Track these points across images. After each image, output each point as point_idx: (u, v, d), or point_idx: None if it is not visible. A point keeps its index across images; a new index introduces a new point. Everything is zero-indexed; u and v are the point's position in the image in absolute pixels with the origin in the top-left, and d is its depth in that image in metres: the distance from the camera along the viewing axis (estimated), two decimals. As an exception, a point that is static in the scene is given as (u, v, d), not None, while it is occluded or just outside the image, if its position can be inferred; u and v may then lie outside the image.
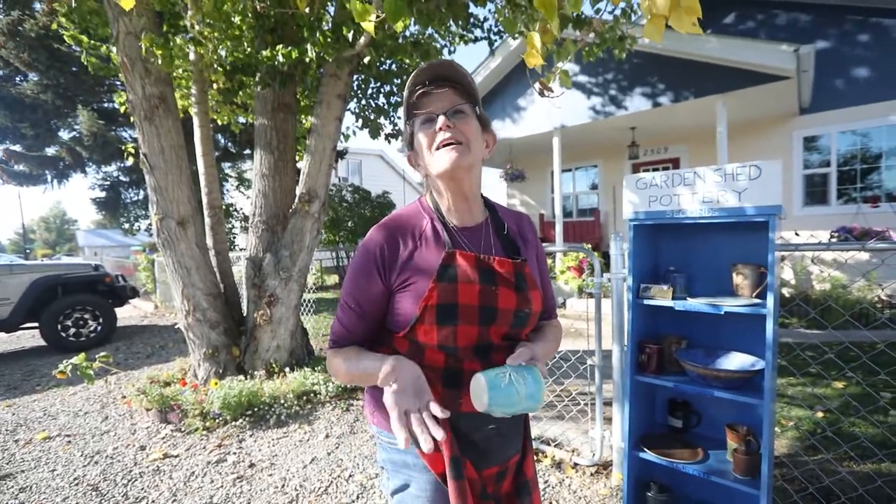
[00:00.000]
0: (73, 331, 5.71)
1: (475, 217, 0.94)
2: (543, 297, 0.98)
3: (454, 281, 0.83)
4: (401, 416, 0.73)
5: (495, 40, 4.81)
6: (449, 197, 0.90)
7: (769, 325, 1.53)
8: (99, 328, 5.91)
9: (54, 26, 4.10)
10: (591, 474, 2.31)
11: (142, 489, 2.36)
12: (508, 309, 0.86)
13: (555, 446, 2.55)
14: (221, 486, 2.36)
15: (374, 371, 0.82)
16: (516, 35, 4.24)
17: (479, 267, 0.86)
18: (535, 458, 2.48)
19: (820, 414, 2.85)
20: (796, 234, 6.45)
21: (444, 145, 0.84)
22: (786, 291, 5.70)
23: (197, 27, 2.94)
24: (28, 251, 30.87)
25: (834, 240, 5.68)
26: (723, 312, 1.63)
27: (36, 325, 5.64)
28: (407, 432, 0.70)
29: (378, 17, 1.61)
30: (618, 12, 3.64)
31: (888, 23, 6.31)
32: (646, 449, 1.81)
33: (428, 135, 0.86)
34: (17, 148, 9.92)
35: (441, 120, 0.84)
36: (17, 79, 9.27)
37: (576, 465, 2.39)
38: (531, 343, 0.91)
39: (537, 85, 2.11)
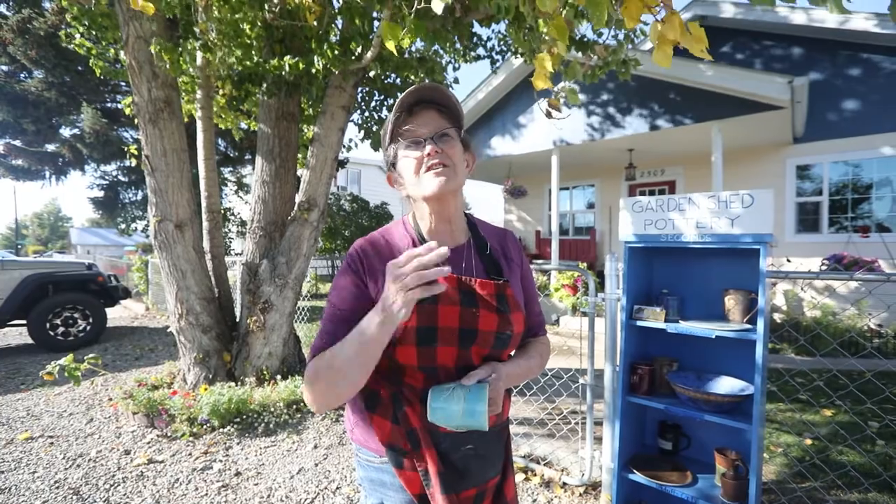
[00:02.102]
0: (61, 330, 5.63)
1: (456, 238, 0.94)
2: (529, 315, 0.98)
3: (435, 303, 0.83)
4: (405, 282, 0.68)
5: (497, 59, 4.91)
6: (432, 219, 0.91)
7: (759, 351, 1.56)
8: (88, 328, 5.84)
9: (63, 34, 4.14)
10: (580, 494, 2.30)
11: (124, 494, 2.32)
12: (489, 331, 0.86)
13: (544, 465, 2.54)
14: (206, 495, 2.33)
15: (365, 328, 0.74)
16: (520, 55, 4.34)
17: (460, 289, 0.86)
18: (525, 476, 2.47)
19: (808, 441, 2.86)
20: (788, 261, 6.55)
21: (431, 169, 0.85)
22: (777, 317, 5.75)
23: (207, 34, 2.99)
24: (19, 247, 30.55)
25: (824, 268, 5.76)
26: (714, 336, 1.65)
27: (24, 322, 5.56)
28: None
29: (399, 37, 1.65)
30: (621, 37, 3.74)
31: (878, 58, 6.51)
32: (635, 470, 1.81)
33: (415, 158, 0.86)
34: (17, 143, 9.92)
35: (429, 147, 0.84)
36: (22, 75, 9.31)
37: (565, 484, 2.38)
38: (498, 362, 0.89)
39: (545, 106, 2.15)
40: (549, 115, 2.13)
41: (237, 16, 2.92)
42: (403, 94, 0.86)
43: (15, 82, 9.04)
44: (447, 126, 0.88)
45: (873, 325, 5.29)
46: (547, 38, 1.70)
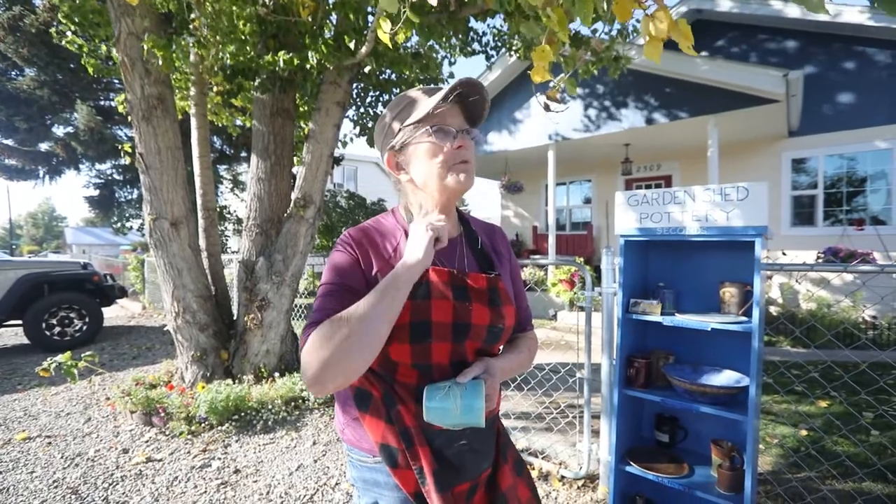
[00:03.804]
0: (57, 329, 5.61)
1: (450, 232, 0.94)
2: (517, 310, 0.98)
3: (427, 298, 0.83)
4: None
5: (492, 55, 4.90)
6: (434, 211, 0.91)
7: (754, 343, 1.57)
8: (84, 327, 5.82)
9: (54, 32, 4.11)
10: (578, 487, 2.32)
11: (123, 493, 2.32)
12: (482, 325, 0.86)
13: (542, 458, 2.55)
14: (205, 492, 2.33)
15: (395, 274, 0.78)
16: (515, 51, 4.33)
17: (452, 283, 0.86)
18: (523, 469, 2.48)
19: (804, 432, 2.89)
20: (783, 254, 6.58)
21: (460, 163, 0.86)
22: (773, 310, 5.78)
23: (200, 30, 2.97)
24: (14, 247, 30.36)
25: (820, 260, 5.79)
26: (710, 329, 1.66)
27: (20, 322, 5.54)
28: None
29: (392, 30, 1.65)
30: (614, 33, 3.74)
31: (872, 51, 6.53)
32: (632, 462, 1.83)
33: (443, 146, 0.85)
34: (10, 142, 9.83)
35: (464, 139, 0.86)
36: (14, 73, 9.22)
37: (563, 477, 2.39)
38: (491, 358, 0.90)
39: (543, 98, 2.14)
40: (546, 108, 2.12)
41: (231, 10, 2.90)
42: (457, 81, 0.85)
43: (7, 80, 8.95)
44: (471, 126, 0.89)
45: (868, 317, 5.33)
46: (547, 29, 1.69)
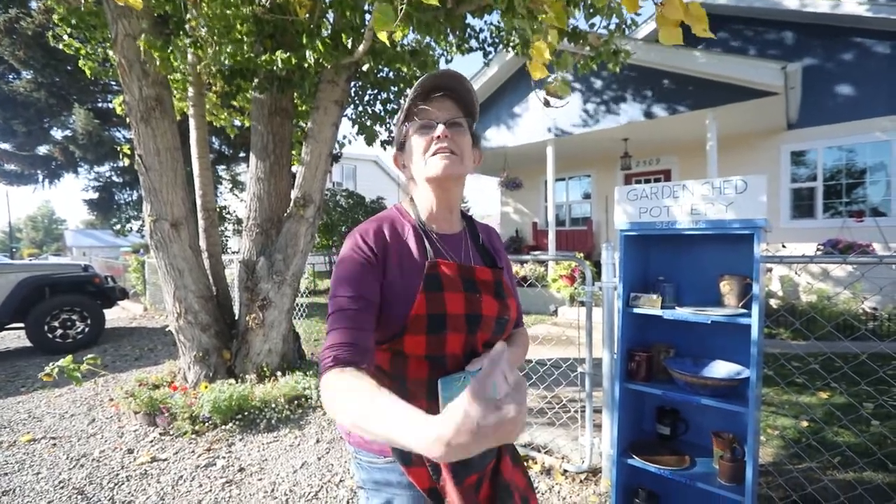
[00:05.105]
0: (59, 332, 5.62)
1: (454, 226, 0.96)
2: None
3: (440, 290, 0.84)
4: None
5: (490, 51, 4.89)
6: (433, 204, 0.92)
7: (754, 335, 1.58)
8: (86, 329, 5.83)
9: (51, 35, 4.11)
10: (581, 481, 2.34)
11: (129, 493, 2.33)
12: (491, 316, 0.89)
13: (545, 453, 2.57)
14: (210, 491, 2.35)
15: (396, 420, 0.57)
16: (512, 48, 4.32)
17: (462, 275, 0.88)
18: (526, 464, 2.49)
19: (804, 423, 2.91)
20: (783, 246, 6.59)
21: (440, 150, 0.86)
22: (773, 302, 5.79)
23: (197, 30, 2.96)
24: (14, 250, 30.35)
25: (820, 252, 5.79)
26: (710, 322, 1.67)
27: (22, 325, 5.55)
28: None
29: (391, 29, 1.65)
30: (612, 27, 3.73)
31: (870, 42, 6.51)
32: (634, 455, 1.84)
33: (424, 140, 0.87)
34: (8, 147, 9.82)
35: (440, 128, 0.86)
36: (10, 76, 9.20)
37: (565, 471, 2.41)
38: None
39: (542, 94, 2.15)
40: (546, 103, 2.13)
41: (227, 11, 2.89)
42: (424, 76, 0.87)
43: (4, 83, 8.93)
44: (461, 116, 0.90)
45: (868, 308, 5.34)
46: (543, 25, 1.70)
